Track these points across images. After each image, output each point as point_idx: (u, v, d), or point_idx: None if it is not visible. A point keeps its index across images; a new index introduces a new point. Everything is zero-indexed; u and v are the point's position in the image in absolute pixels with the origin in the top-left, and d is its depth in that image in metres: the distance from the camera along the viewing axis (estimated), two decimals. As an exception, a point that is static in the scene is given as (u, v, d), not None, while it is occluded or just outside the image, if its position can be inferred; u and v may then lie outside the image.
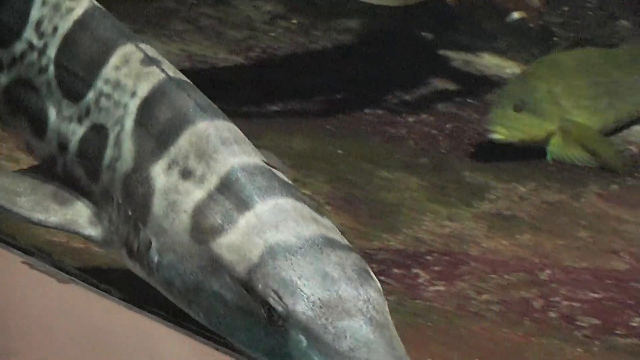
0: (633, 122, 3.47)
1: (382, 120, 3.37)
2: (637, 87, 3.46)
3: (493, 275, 2.59)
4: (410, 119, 3.39)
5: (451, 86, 3.64)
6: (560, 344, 2.36)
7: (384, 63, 3.72)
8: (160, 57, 2.08)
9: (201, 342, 1.88)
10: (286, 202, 1.85)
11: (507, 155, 3.20)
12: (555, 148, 3.24)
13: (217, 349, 1.86)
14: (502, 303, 2.48)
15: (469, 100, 3.53)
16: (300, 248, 1.78)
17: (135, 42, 2.07)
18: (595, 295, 2.56)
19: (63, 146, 2.06)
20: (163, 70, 2.01)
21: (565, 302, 2.51)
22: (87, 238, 2.03)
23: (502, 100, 3.29)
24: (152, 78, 2.00)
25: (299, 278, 1.74)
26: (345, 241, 1.87)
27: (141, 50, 2.05)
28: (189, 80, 2.04)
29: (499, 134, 3.16)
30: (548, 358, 2.33)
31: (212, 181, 1.87)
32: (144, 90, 1.98)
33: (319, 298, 1.72)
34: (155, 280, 1.92)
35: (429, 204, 2.90)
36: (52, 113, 2.08)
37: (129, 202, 1.93)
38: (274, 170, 1.93)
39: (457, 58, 3.78)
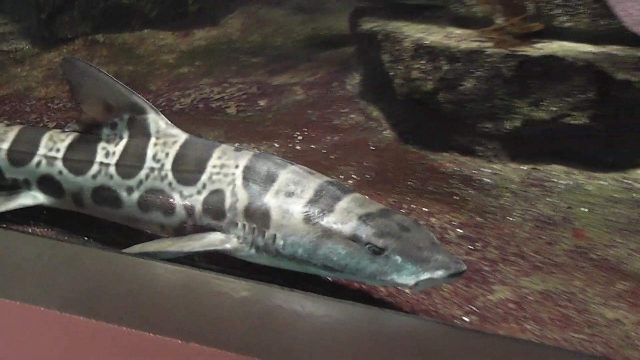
0: None
1: None
2: None
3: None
4: None
5: None
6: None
7: None
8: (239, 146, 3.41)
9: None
10: (356, 195, 3.17)
11: None
12: None
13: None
14: None
15: None
16: (375, 213, 3.08)
17: (221, 143, 3.39)
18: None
19: (190, 212, 3.29)
20: (249, 150, 3.34)
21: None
22: (223, 252, 3.20)
23: None
24: (246, 155, 3.32)
25: (384, 227, 3.02)
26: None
27: (230, 145, 3.39)
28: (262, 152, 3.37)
29: None
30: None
31: (310, 192, 3.14)
32: (243, 162, 3.29)
33: (399, 235, 3.00)
34: (282, 257, 3.12)
35: None
36: (177, 197, 3.33)
37: (251, 220, 3.16)
38: (333, 181, 3.22)
39: None
